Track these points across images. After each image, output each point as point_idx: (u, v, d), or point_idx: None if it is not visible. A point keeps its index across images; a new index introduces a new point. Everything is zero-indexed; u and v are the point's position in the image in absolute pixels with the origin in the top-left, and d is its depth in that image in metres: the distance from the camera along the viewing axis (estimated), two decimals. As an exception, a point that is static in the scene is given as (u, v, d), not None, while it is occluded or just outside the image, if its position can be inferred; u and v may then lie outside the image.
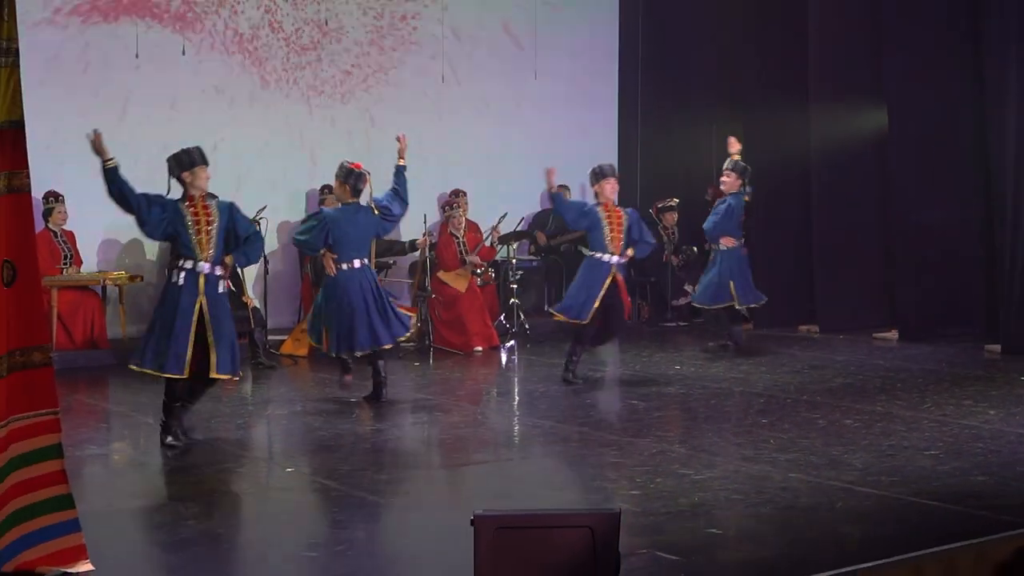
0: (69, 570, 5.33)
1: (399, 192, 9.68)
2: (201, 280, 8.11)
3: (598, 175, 10.73)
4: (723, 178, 12.03)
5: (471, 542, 4.87)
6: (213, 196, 8.38)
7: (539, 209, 14.92)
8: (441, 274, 12.84)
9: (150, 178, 8.67)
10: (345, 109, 13.64)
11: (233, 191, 12.87)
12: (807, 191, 13.68)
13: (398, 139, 9.81)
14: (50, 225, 11.83)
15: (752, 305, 12.18)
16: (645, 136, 15.61)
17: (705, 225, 12.23)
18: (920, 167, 12.66)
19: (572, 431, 8.70)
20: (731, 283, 11.86)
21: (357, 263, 9.49)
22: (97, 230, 12.30)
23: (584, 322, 10.41)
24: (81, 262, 12.04)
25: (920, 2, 12.63)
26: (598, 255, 10.52)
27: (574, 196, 14.64)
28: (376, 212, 9.58)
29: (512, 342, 12.89)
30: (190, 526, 6.46)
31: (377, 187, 9.77)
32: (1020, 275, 11.58)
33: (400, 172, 9.73)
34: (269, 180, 13.05)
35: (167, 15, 12.59)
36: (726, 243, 11.92)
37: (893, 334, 12.76)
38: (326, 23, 13.54)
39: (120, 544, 5.99)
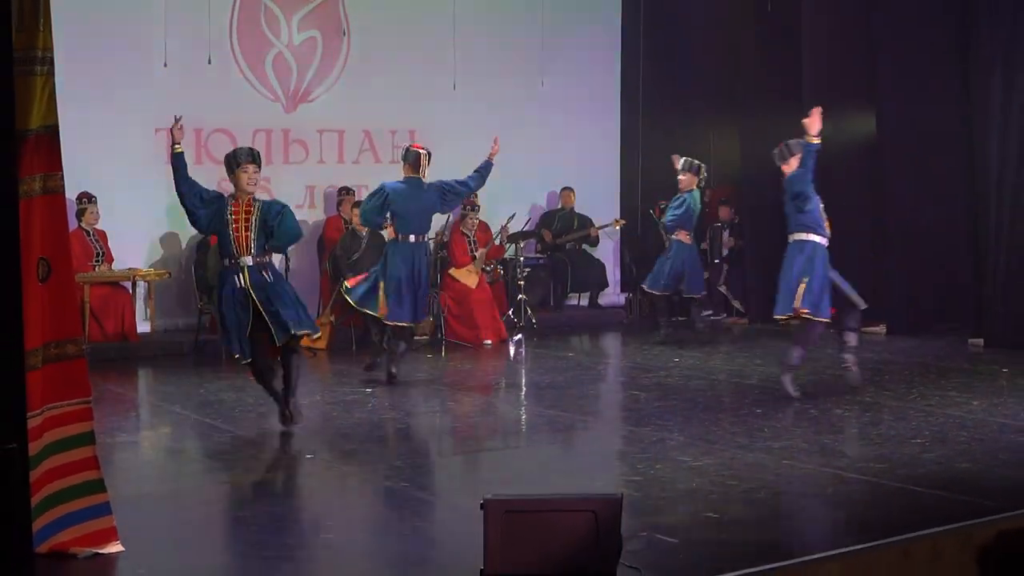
0: (100, 551, 5.35)
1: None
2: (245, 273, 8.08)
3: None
4: (680, 177, 12.21)
5: (481, 525, 4.88)
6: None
7: (545, 209, 14.92)
8: (453, 271, 12.85)
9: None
10: (359, 114, 13.64)
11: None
12: (800, 192, 13.65)
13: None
14: (83, 224, 11.84)
15: (696, 296, 12.42)
16: (646, 139, 15.59)
17: (666, 219, 12.52)
18: (909, 171, 12.64)
19: (576, 420, 8.70)
20: (684, 274, 12.17)
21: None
22: (127, 229, 12.32)
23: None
24: (112, 259, 12.06)
25: (910, 14, 12.60)
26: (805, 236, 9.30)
27: (580, 194, 14.75)
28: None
29: (520, 336, 12.88)
30: (214, 509, 6.49)
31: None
32: (1003, 273, 11.57)
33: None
34: (289, 179, 13.19)
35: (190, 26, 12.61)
36: (681, 237, 12.17)
37: (882, 328, 12.73)
38: (344, 33, 13.55)
39: (148, 526, 5.99)
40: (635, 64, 15.50)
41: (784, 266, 9.28)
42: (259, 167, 8.30)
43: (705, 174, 12.39)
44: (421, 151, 10.37)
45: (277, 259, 12.28)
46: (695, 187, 12.25)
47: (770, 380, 10.00)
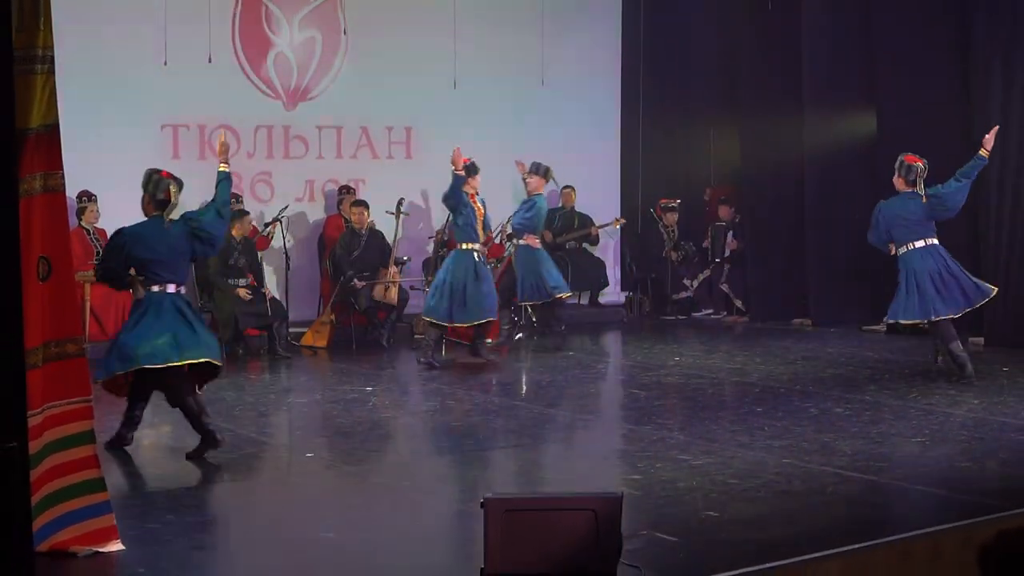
0: (100, 549, 5.34)
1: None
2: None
3: None
4: (527, 180, 11.99)
5: (481, 524, 4.88)
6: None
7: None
8: (453, 270, 12.82)
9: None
10: (357, 112, 13.70)
11: (261, 190, 13.20)
12: (801, 191, 13.66)
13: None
14: (83, 223, 11.83)
15: (533, 303, 12.11)
16: (647, 140, 15.60)
17: (514, 222, 12.17)
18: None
19: (576, 419, 8.70)
20: (540, 277, 11.84)
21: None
22: (128, 228, 12.33)
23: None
24: (112, 258, 12.04)
25: (910, 14, 12.61)
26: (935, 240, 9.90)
27: (580, 193, 14.75)
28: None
29: (520, 334, 12.87)
30: (215, 508, 6.49)
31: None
32: (1003, 271, 11.57)
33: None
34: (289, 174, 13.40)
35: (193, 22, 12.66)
36: (529, 241, 11.93)
37: (882, 327, 12.73)
38: (344, 32, 13.62)
39: (149, 525, 5.99)
40: (635, 64, 15.49)
41: (941, 268, 9.59)
42: (144, 191, 7.70)
43: (554, 177, 12.07)
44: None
45: (277, 259, 12.47)
46: (543, 190, 12.02)
47: (770, 379, 10.00)
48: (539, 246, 12.05)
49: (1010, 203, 11.55)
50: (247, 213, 11.94)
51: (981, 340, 11.62)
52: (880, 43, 12.91)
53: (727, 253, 14.43)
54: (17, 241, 4.71)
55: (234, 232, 11.67)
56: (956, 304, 9.53)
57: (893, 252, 9.82)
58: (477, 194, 10.91)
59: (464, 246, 10.82)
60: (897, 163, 9.89)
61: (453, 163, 10.67)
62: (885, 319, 10.41)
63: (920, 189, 9.67)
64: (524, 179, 12.22)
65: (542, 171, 11.99)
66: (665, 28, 15.45)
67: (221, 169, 7.86)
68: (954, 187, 9.65)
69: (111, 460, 7.10)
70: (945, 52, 12.42)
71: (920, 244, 9.64)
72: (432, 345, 10.92)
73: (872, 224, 9.97)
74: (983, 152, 9.72)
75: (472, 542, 5.02)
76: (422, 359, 10.83)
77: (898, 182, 9.83)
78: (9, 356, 4.44)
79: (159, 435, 8.57)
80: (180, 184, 7.71)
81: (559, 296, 12.13)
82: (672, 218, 14.96)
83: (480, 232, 10.90)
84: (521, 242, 12.00)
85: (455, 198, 10.72)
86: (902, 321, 9.78)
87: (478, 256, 10.81)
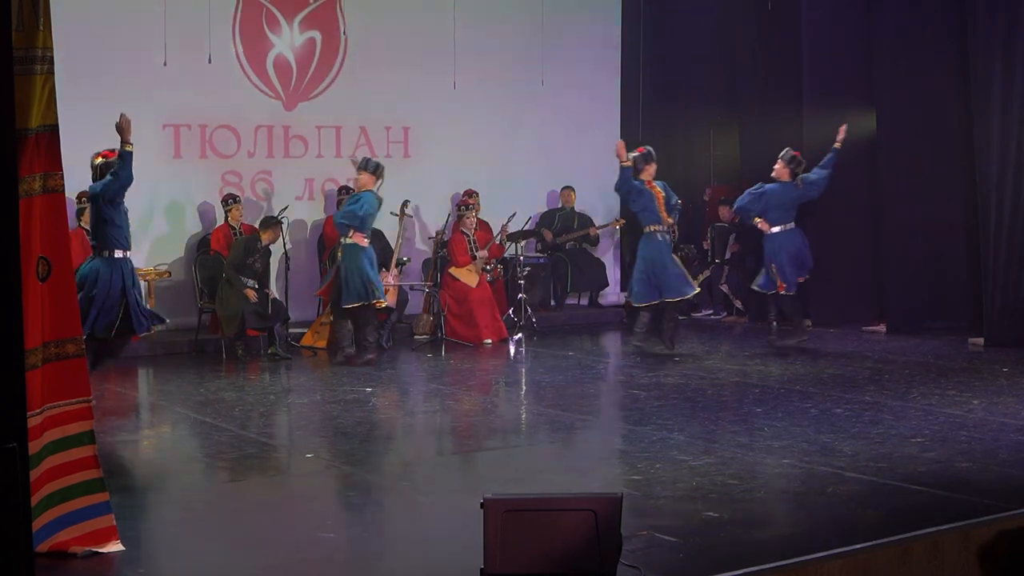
0: (100, 550, 5.34)
1: None
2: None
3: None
4: (358, 175, 11.37)
5: (481, 525, 4.88)
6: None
7: (546, 209, 14.92)
8: (453, 270, 12.84)
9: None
10: (356, 111, 13.71)
11: (262, 189, 13.21)
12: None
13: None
14: (83, 224, 11.81)
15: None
16: (647, 140, 15.55)
17: (337, 219, 11.40)
18: (908, 169, 12.65)
19: (576, 419, 8.70)
20: (367, 278, 11.12)
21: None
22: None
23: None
24: (112, 258, 12.05)
25: (910, 13, 12.62)
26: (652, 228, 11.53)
27: (580, 193, 14.76)
28: None
29: (520, 335, 12.86)
30: (215, 509, 6.48)
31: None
32: (1003, 271, 11.58)
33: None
34: (289, 173, 13.48)
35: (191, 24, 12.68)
36: (357, 239, 11.12)
37: (881, 327, 12.74)
38: (343, 33, 13.63)
39: (148, 525, 5.99)
40: (635, 64, 15.50)
41: (799, 247, 11.76)
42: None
43: (384, 178, 11.34)
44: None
45: (277, 260, 12.47)
46: (374, 187, 11.29)
47: (770, 379, 10.00)
48: (367, 244, 11.23)
49: (1010, 203, 11.54)
50: (280, 223, 11.87)
51: (981, 340, 11.63)
52: (879, 43, 12.91)
53: (728, 256, 14.40)
54: (17, 241, 4.71)
55: (263, 237, 11.75)
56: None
57: (759, 226, 11.66)
58: (654, 180, 11.53)
59: (649, 228, 11.45)
60: (788, 156, 11.68)
61: (618, 156, 11.30)
62: (759, 287, 11.90)
63: (798, 180, 11.60)
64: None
65: (371, 167, 11.32)
66: (665, 28, 15.46)
67: (126, 149, 9.20)
68: (820, 175, 11.61)
69: (111, 461, 7.10)
70: (944, 52, 12.43)
71: (789, 226, 11.63)
72: (645, 331, 11.56)
73: (752, 197, 11.75)
74: (837, 145, 11.59)
75: (472, 542, 5.01)
76: (637, 342, 11.57)
77: (784, 172, 11.64)
78: (9, 356, 4.44)
79: (159, 435, 8.58)
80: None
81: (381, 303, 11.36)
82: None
83: (663, 214, 11.44)
84: (348, 240, 11.16)
85: (624, 187, 11.45)
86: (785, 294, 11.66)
87: (661, 236, 11.46)
